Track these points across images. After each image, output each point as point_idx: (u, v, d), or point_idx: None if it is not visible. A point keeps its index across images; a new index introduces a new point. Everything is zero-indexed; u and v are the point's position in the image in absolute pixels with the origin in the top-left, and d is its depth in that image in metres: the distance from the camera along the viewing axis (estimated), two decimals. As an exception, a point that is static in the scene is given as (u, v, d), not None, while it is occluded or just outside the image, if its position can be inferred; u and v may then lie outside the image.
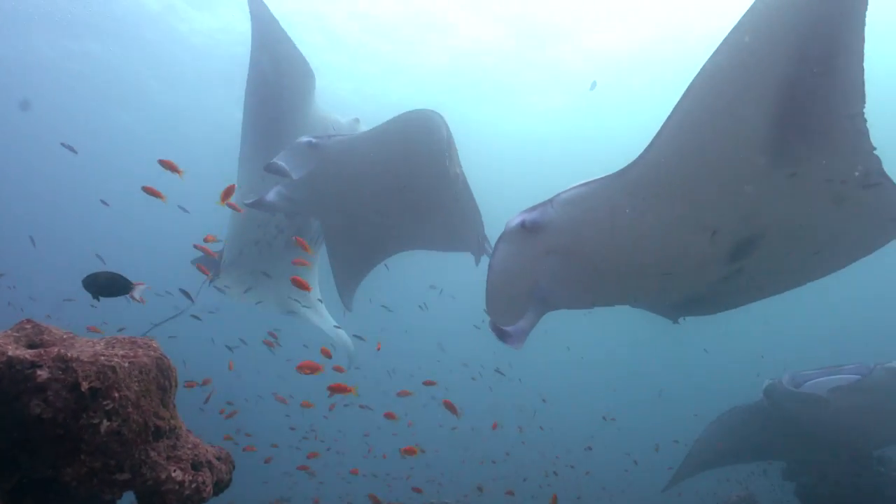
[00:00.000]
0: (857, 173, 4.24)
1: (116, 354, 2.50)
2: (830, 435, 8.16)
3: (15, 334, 2.55)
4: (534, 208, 4.34)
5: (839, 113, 3.92)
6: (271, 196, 7.86)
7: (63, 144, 9.14)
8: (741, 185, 4.24)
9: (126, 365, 2.48)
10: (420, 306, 14.16)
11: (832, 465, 8.77)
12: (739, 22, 3.55)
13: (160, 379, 2.65)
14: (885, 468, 8.61)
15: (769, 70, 3.75)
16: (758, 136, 4.00)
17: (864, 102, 3.84)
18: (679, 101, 3.84)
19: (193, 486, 2.52)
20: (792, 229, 4.72)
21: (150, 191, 5.90)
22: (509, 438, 14.04)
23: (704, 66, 3.69)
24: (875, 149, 4.05)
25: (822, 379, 7.45)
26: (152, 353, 2.68)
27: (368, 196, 8.09)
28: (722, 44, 3.59)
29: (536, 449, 15.10)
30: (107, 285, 4.41)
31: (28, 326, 2.61)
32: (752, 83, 3.82)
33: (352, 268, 9.63)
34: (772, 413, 8.28)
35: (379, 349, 8.16)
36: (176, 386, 2.79)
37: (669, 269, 4.84)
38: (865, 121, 3.91)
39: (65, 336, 2.67)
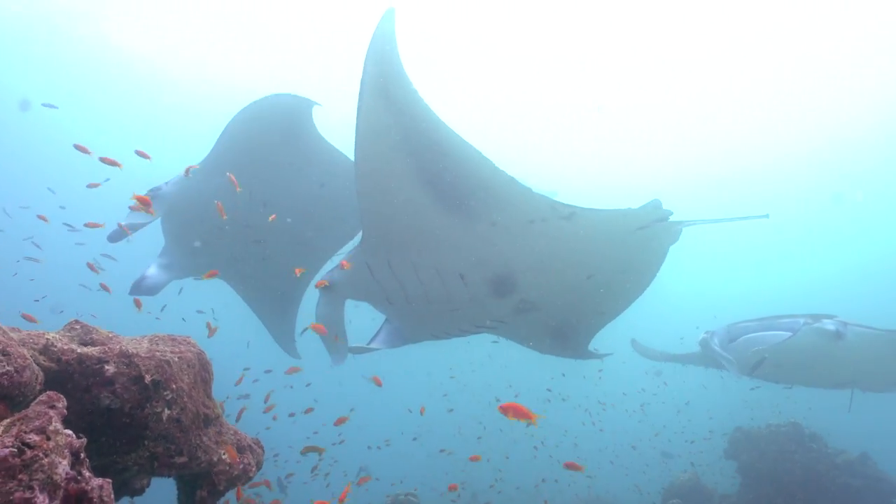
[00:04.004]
0: (547, 210, 5.28)
1: (167, 350, 2.75)
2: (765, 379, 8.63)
3: (68, 334, 2.76)
4: (329, 272, 5.87)
5: (479, 173, 5.06)
6: (153, 272, 7.31)
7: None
8: (448, 240, 5.44)
9: (177, 359, 2.73)
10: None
11: (770, 443, 9.55)
12: (356, 155, 4.85)
13: (202, 372, 2.91)
14: (816, 445, 9.45)
15: (401, 173, 4.99)
16: (430, 210, 5.21)
17: (487, 161, 4.97)
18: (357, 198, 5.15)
19: (241, 466, 2.80)
20: (539, 265, 5.73)
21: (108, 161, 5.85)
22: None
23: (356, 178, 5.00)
24: (531, 188, 5.15)
25: (755, 335, 7.45)
26: (194, 349, 2.93)
27: (242, 223, 7.56)
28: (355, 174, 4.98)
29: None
30: None
31: (77, 327, 2.82)
32: (393, 187, 5.04)
33: (277, 312, 8.99)
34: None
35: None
36: (212, 379, 3.04)
37: (454, 307, 5.99)
38: (504, 171, 5.03)
39: (111, 335, 2.89)
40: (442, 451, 10.61)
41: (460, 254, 5.53)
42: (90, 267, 7.38)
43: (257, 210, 7.47)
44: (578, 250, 5.64)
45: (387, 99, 4.66)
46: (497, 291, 5.82)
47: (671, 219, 5.69)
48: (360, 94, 4.57)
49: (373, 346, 6.32)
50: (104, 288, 7.87)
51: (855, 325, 7.01)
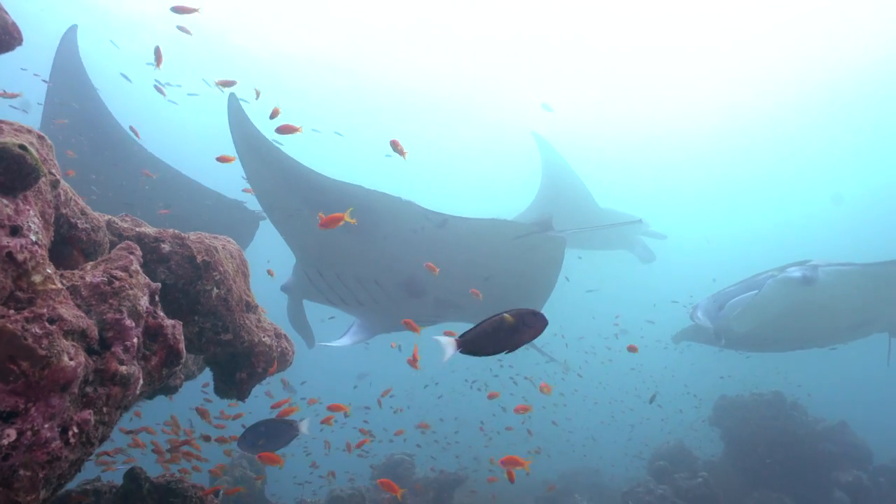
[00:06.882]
0: (423, 219, 6.20)
1: (213, 240, 2.97)
2: (755, 343, 8.90)
3: (122, 221, 2.97)
4: (287, 278, 7.24)
5: (355, 195, 5.95)
6: None
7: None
8: (356, 254, 6.52)
9: (221, 248, 2.96)
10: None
11: (753, 410, 9.90)
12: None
13: (242, 266, 3.13)
14: (797, 412, 9.80)
15: (293, 207, 6.17)
16: (333, 233, 5.99)
17: (355, 185, 5.91)
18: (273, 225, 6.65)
19: (279, 349, 3.03)
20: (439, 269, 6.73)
21: None
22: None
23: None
24: (400, 197, 6.10)
25: (739, 297, 7.40)
26: (234, 245, 3.16)
27: None
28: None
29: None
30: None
31: (129, 218, 3.03)
32: (293, 217, 6.26)
33: None
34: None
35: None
36: (250, 274, 3.27)
37: (381, 308, 7.04)
38: (375, 190, 5.92)
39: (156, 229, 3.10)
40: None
41: (370, 264, 6.65)
42: None
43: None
44: (460, 254, 6.45)
45: (251, 148, 5.97)
46: (411, 292, 6.85)
47: (553, 230, 6.38)
48: (235, 146, 6.01)
49: (337, 343, 7.57)
50: None
51: (827, 266, 6.82)
